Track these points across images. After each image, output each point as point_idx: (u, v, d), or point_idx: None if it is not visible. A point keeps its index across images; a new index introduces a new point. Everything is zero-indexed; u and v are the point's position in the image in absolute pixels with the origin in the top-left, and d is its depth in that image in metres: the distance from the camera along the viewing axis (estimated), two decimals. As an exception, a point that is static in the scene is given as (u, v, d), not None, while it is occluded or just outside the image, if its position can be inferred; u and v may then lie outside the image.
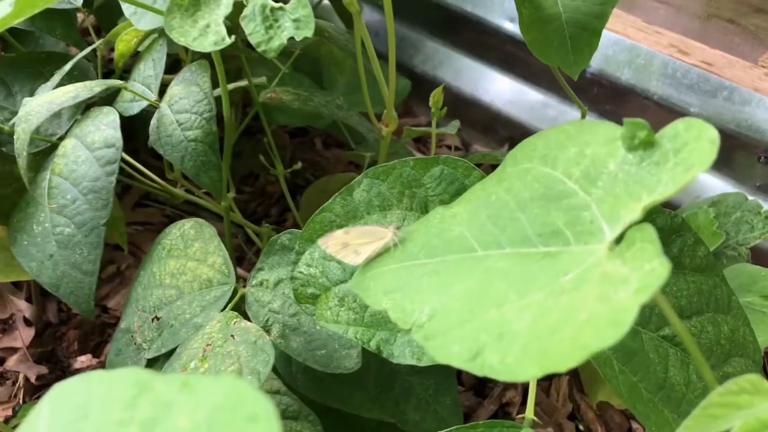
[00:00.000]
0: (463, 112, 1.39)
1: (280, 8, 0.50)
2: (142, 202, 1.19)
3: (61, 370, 0.95)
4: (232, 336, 0.58)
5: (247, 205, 1.21)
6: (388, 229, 0.48)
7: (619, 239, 0.37)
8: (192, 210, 1.17)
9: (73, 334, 0.98)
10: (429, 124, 1.44)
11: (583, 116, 0.91)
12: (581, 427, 0.92)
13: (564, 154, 0.42)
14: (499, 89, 1.36)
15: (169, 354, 0.68)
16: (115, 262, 1.10)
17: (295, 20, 0.48)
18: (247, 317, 0.65)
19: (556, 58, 0.74)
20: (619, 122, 1.18)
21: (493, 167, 1.35)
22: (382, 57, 0.71)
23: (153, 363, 0.70)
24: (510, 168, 0.45)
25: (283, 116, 1.06)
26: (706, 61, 1.09)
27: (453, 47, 1.42)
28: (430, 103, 0.74)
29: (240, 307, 0.67)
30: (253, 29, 0.49)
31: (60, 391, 0.32)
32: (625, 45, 1.16)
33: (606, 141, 0.40)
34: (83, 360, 0.96)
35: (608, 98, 1.19)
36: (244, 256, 1.09)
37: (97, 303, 1.04)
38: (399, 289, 0.45)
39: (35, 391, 0.92)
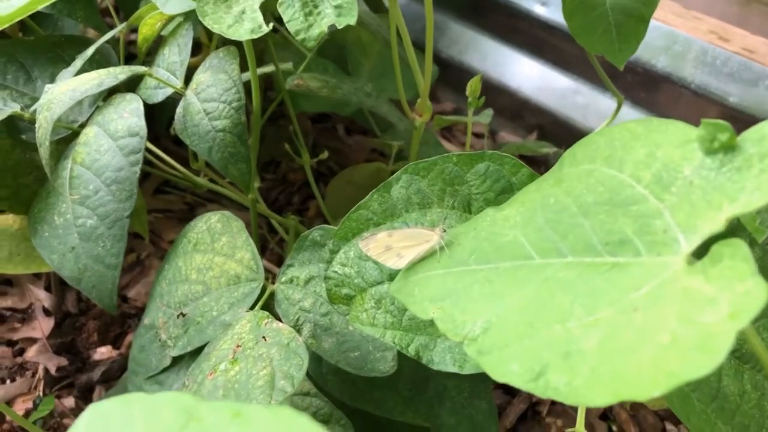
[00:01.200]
0: (490, 98, 1.35)
1: (319, -7, 0.47)
2: (162, 188, 1.16)
3: (81, 362, 0.93)
4: (263, 337, 0.56)
5: (268, 193, 1.19)
6: (434, 231, 0.45)
7: (697, 252, 0.34)
8: (213, 197, 1.14)
9: (93, 324, 0.96)
10: (454, 110, 1.41)
11: (620, 105, 0.87)
12: (614, 428, 0.89)
13: (631, 156, 0.39)
14: (528, 75, 1.32)
15: (195, 352, 0.65)
16: (135, 250, 1.07)
17: (336, 6, 0.45)
18: (276, 315, 0.63)
19: (601, 46, 0.71)
20: (654, 111, 1.13)
21: (524, 159, 1.31)
22: (412, 42, 0.68)
23: (178, 360, 0.68)
24: (569, 168, 0.42)
25: (308, 103, 1.03)
26: (748, 48, 1.05)
27: (480, 30, 1.38)
28: (467, 93, 0.71)
29: (269, 304, 0.65)
30: (291, 16, 0.46)
31: (97, 414, 0.29)
32: (662, 31, 1.11)
33: (680, 143, 0.37)
34: (103, 351, 0.94)
35: (643, 86, 1.15)
36: (266, 245, 1.06)
37: (117, 293, 1.01)
38: (447, 297, 0.42)
39: (55, 382, 0.90)
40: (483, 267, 0.42)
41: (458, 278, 0.43)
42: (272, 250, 1.05)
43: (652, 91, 1.15)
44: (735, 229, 0.49)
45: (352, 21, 0.45)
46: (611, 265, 0.37)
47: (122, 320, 0.98)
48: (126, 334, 0.97)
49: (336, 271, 0.55)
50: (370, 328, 0.53)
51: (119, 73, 0.64)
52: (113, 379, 0.91)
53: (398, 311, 0.53)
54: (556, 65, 1.30)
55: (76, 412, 0.87)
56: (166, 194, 1.16)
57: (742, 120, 1.02)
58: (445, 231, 0.45)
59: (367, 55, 1.09)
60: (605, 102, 1.24)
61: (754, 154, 0.34)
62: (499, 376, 0.36)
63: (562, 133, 1.27)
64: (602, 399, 0.31)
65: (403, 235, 0.46)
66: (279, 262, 1.03)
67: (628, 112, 1.18)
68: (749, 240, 0.54)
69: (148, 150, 0.86)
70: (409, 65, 0.70)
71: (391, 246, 0.46)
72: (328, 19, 0.45)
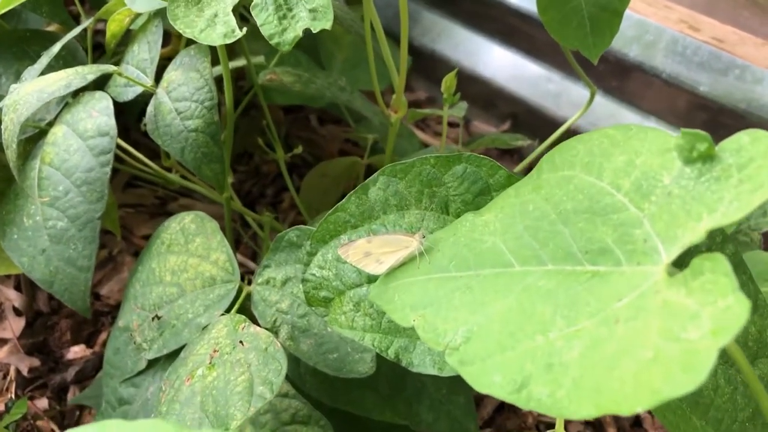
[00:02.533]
0: (463, 87, 1.34)
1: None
2: (133, 182, 1.14)
3: (54, 361, 0.92)
4: (240, 342, 0.55)
5: (241, 186, 1.17)
6: (413, 237, 0.45)
7: (677, 263, 0.34)
8: (186, 191, 1.13)
9: (66, 323, 0.95)
10: (427, 100, 1.40)
11: (593, 96, 0.88)
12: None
13: (610, 163, 0.39)
14: (501, 63, 1.32)
15: (171, 355, 0.65)
16: (107, 246, 1.06)
17: (311, 10, 0.44)
18: (253, 317, 0.62)
19: (575, 40, 0.71)
20: (626, 100, 1.14)
21: (503, 153, 1.30)
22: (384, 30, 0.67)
23: (154, 363, 0.67)
24: (548, 174, 0.42)
25: (280, 96, 1.02)
26: (717, 38, 1.06)
27: (453, 19, 1.37)
28: (442, 89, 0.71)
29: (245, 306, 0.64)
30: (264, 20, 0.45)
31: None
32: (633, 20, 1.12)
33: (659, 151, 0.37)
34: (77, 350, 0.93)
35: (615, 75, 1.16)
36: (240, 239, 1.05)
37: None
38: (429, 305, 0.42)
39: (27, 384, 0.89)
40: (463, 274, 0.42)
41: (439, 285, 0.43)
42: (246, 244, 1.04)
43: (624, 80, 1.16)
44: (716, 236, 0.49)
45: (328, 25, 0.44)
46: (591, 274, 0.37)
47: (95, 318, 0.97)
48: (99, 332, 0.96)
49: (314, 274, 0.55)
50: (349, 331, 0.52)
51: (87, 73, 0.62)
52: (87, 378, 0.90)
53: (377, 314, 0.52)
54: (528, 54, 1.29)
55: (49, 413, 0.85)
56: (137, 188, 1.14)
57: (712, 109, 1.03)
58: (424, 237, 0.45)
59: (340, 46, 1.08)
60: (578, 90, 1.24)
61: (733, 164, 0.34)
62: (482, 387, 0.36)
63: (536, 122, 1.27)
64: (585, 411, 0.31)
65: (383, 240, 0.46)
66: (253, 257, 1.03)
67: (600, 101, 1.19)
68: (723, 236, 0.55)
69: (117, 146, 0.85)
70: (383, 57, 0.69)
71: (371, 252, 0.46)
72: (302, 23, 0.45)
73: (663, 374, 0.28)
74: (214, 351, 0.56)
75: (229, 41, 0.45)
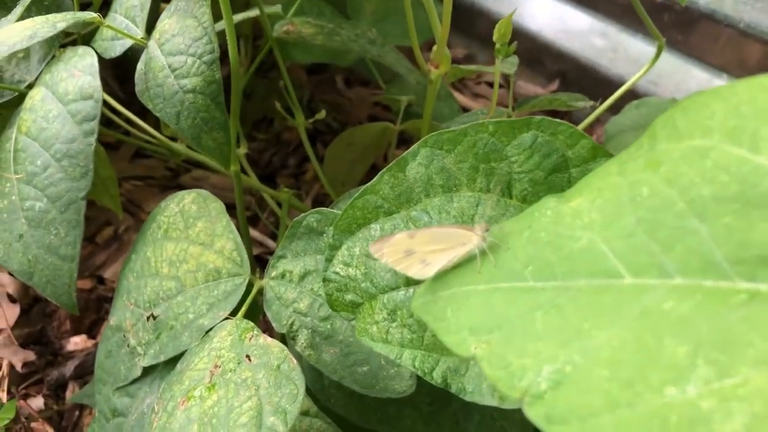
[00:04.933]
0: (505, 43, 1.22)
1: None
2: (142, 152, 1.03)
3: (52, 354, 0.82)
4: (247, 357, 0.44)
5: (260, 155, 1.06)
6: (473, 230, 0.33)
7: None
8: (199, 162, 1.02)
9: (65, 311, 0.85)
10: (466, 58, 1.27)
11: (660, 49, 0.75)
12: None
13: (772, 128, 0.26)
14: (548, 16, 1.18)
15: (170, 361, 0.54)
16: (112, 223, 0.95)
17: None
18: (266, 318, 0.51)
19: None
20: (693, 55, 0.97)
21: (554, 114, 1.17)
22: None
23: (152, 370, 0.56)
24: (668, 144, 0.29)
25: (301, 53, 0.89)
26: (808, -20, 0.91)
27: (494, -33, 1.23)
28: (495, 38, 0.58)
29: (258, 304, 0.53)
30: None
31: None
32: (705, -39, 0.97)
33: None
34: (77, 341, 0.83)
35: (681, 26, 1.01)
36: (257, 217, 0.94)
37: (92, 273, 0.90)
38: (496, 328, 0.30)
39: (22, 380, 0.79)
40: (546, 285, 0.30)
41: (510, 299, 0.31)
42: (263, 224, 0.93)
43: (691, 32, 1.02)
44: None
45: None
46: (749, 295, 0.25)
47: (98, 304, 0.87)
48: (103, 320, 0.86)
49: (337, 272, 0.43)
50: (383, 346, 0.41)
51: (58, 21, 0.51)
52: (88, 373, 0.80)
53: (418, 325, 0.41)
54: (579, 4, 1.15)
55: (45, 414, 0.76)
56: (147, 158, 1.03)
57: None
58: (488, 230, 0.33)
59: (369, -4, 0.96)
60: (636, 45, 1.10)
61: None
62: (583, 461, 0.24)
63: (587, 81, 1.14)
64: None
65: (430, 235, 0.34)
66: (273, 235, 0.92)
67: (663, 56, 1.04)
68: None
69: (119, 114, 0.74)
70: (421, 5, 0.57)
71: (414, 250, 0.34)
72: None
73: None
74: (215, 366, 0.45)
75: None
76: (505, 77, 1.22)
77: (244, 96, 0.99)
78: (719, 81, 1.01)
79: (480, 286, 0.32)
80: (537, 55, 1.18)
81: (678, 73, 1.06)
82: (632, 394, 0.24)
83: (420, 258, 0.34)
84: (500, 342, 0.29)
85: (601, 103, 0.79)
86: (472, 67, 0.73)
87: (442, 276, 0.35)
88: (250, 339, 0.45)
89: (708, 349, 0.24)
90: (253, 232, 0.92)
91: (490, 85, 1.17)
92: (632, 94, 1.08)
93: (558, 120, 0.39)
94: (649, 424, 0.23)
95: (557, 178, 0.40)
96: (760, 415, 0.21)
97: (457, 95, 1.13)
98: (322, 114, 0.74)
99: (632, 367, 0.25)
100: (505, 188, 0.41)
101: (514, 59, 0.76)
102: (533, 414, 0.26)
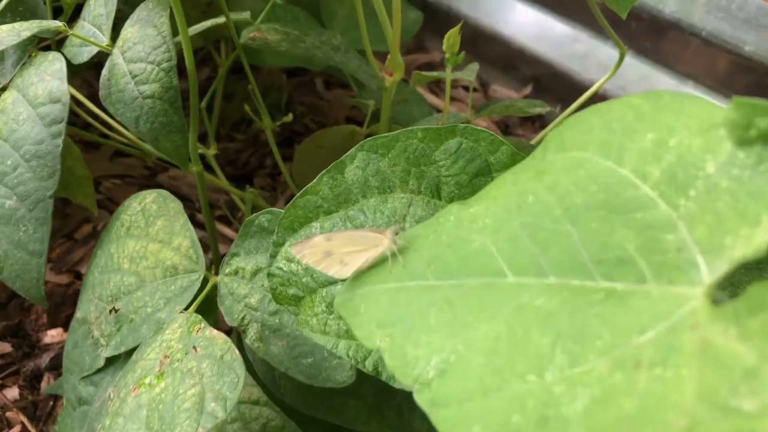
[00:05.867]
0: (482, 47, 1.25)
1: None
2: (121, 151, 1.06)
3: (29, 346, 0.85)
4: (194, 348, 0.47)
5: (239, 155, 1.09)
6: (384, 234, 0.36)
7: (725, 284, 0.25)
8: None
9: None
10: (443, 62, 1.30)
11: (622, 57, 0.77)
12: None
13: (635, 143, 0.29)
14: (522, 22, 1.21)
15: (131, 352, 0.57)
16: (90, 221, 0.98)
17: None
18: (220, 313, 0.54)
19: (601, -9, 0.60)
20: (660, 62, 1.00)
21: (524, 120, 1.20)
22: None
23: (114, 360, 0.59)
24: (554, 155, 0.32)
25: (273, 58, 0.92)
26: (767, -9, 0.93)
27: (470, -27, 1.26)
28: (444, 47, 0.61)
29: (212, 299, 0.56)
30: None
31: None
32: (670, -29, 1.00)
33: (701, 128, 0.27)
34: (53, 334, 0.86)
35: (648, 34, 1.04)
36: (229, 222, 0.97)
37: (70, 268, 0.93)
38: (398, 322, 0.33)
39: (-2, 371, 0.82)
40: (443, 283, 0.33)
41: (412, 297, 0.34)
42: (235, 227, 0.96)
43: (658, 39, 1.04)
44: None
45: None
46: (606, 293, 0.27)
47: (75, 299, 0.89)
48: (79, 314, 0.88)
49: (281, 268, 0.46)
50: (321, 337, 0.44)
51: (23, 29, 0.54)
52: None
53: (351, 319, 0.44)
54: (553, 11, 1.18)
55: (20, 404, 0.79)
56: (126, 157, 1.06)
57: (758, 71, 0.92)
58: (398, 233, 0.36)
59: (342, 2, 0.98)
60: (607, 51, 1.13)
61: (808, 147, 0.24)
62: (457, 438, 0.27)
63: (560, 86, 1.17)
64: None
65: (346, 238, 0.37)
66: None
67: (632, 63, 1.07)
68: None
69: (95, 116, 0.76)
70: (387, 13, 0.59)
71: (332, 251, 0.37)
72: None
73: (703, 463, 0.19)
74: (165, 357, 0.48)
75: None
76: (481, 82, 1.25)
77: (223, 98, 1.02)
78: (686, 88, 1.04)
79: (390, 284, 0.35)
80: (512, 59, 1.21)
81: (647, 80, 1.08)
82: (500, 380, 0.27)
83: (338, 259, 0.37)
84: (400, 335, 0.32)
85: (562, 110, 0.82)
86: (433, 73, 0.75)
87: (359, 276, 0.37)
88: (198, 331, 0.48)
89: (566, 341, 0.27)
90: (226, 230, 0.95)
91: (466, 88, 1.20)
92: (602, 99, 1.11)
93: (480, 128, 0.42)
94: (511, 407, 0.26)
95: (480, 181, 0.43)
96: (597, 398, 0.24)
97: (432, 98, 1.16)
98: (289, 117, 0.77)
99: (503, 356, 0.28)
100: (434, 190, 0.44)
101: (474, 66, 0.79)
102: (420, 399, 0.29)
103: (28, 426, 0.78)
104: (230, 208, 0.98)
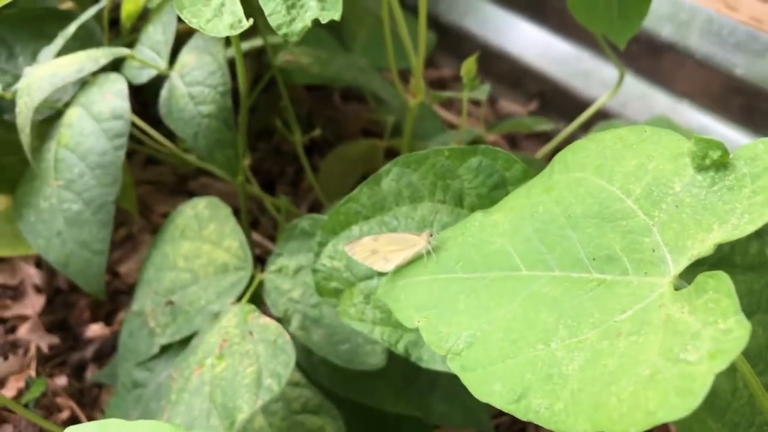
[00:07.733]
0: (490, 64, 1.33)
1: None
2: (153, 159, 1.14)
3: (73, 339, 0.93)
4: (250, 333, 0.55)
5: (261, 164, 1.17)
6: (421, 236, 0.44)
7: (684, 274, 0.33)
8: (205, 169, 1.12)
9: (84, 301, 0.95)
10: (453, 78, 1.38)
11: (622, 77, 0.85)
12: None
13: (622, 167, 0.37)
14: (529, 40, 1.29)
15: (184, 340, 0.65)
16: (126, 224, 1.06)
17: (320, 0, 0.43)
18: (265, 305, 0.62)
19: (602, 23, 0.68)
20: (657, 81, 1.10)
21: (530, 134, 1.27)
22: (407, 7, 0.65)
23: (168, 348, 0.67)
24: (559, 175, 0.40)
25: (301, 76, 1.00)
26: (756, 17, 1.01)
27: (480, -5, 1.34)
28: (462, 73, 0.69)
29: (259, 293, 0.64)
30: (272, 9, 0.44)
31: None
32: (666, -2, 1.08)
33: (672, 156, 0.35)
34: (95, 329, 0.94)
35: (646, 55, 1.12)
36: (258, 220, 1.05)
37: (108, 268, 1.01)
38: (433, 307, 0.41)
39: (47, 361, 0.90)
40: (469, 276, 0.41)
41: (444, 286, 0.42)
42: (265, 225, 1.04)
43: (656, 60, 1.12)
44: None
45: (336, 16, 0.43)
46: (598, 283, 0.35)
47: (114, 297, 0.98)
48: (118, 310, 0.96)
49: (324, 264, 0.54)
50: (359, 323, 0.52)
51: (100, 56, 0.62)
52: (106, 356, 0.91)
53: (387, 307, 0.52)
54: (558, 30, 1.26)
55: (68, 390, 0.87)
56: (157, 165, 1.14)
57: (748, 92, 1.00)
58: (432, 236, 0.44)
59: (362, 23, 1.07)
60: (608, 70, 1.21)
61: (747, 173, 0.32)
62: (482, 395, 0.35)
63: (565, 101, 1.25)
64: (581, 427, 0.30)
65: (389, 239, 0.45)
66: (272, 239, 1.02)
67: (631, 82, 1.15)
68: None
69: (135, 125, 0.84)
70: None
71: (377, 250, 0.45)
72: (311, 12, 0.43)
73: (658, 397, 0.27)
74: (224, 341, 0.56)
75: (236, 32, 0.44)
76: (489, 97, 1.33)
77: (248, 110, 1.10)
78: (681, 106, 1.12)
79: (425, 277, 0.43)
80: (518, 76, 1.29)
81: (645, 97, 1.16)
82: (516, 349, 0.35)
83: (383, 256, 0.45)
84: (435, 316, 0.40)
85: (567, 125, 0.91)
86: (448, 93, 0.83)
87: (399, 270, 0.45)
88: (252, 319, 0.56)
89: (566, 318, 0.35)
90: (254, 235, 1.03)
91: (476, 103, 1.28)
92: (603, 115, 1.19)
93: (497, 149, 0.50)
94: (524, 369, 0.34)
95: (497, 193, 0.51)
96: (589, 359, 0.32)
97: (443, 112, 1.24)
98: (316, 132, 0.85)
99: (518, 331, 0.36)
100: (458, 200, 0.52)
101: (486, 86, 0.87)
102: (452, 365, 0.37)
103: (77, 410, 0.86)
104: (254, 215, 1.06)
